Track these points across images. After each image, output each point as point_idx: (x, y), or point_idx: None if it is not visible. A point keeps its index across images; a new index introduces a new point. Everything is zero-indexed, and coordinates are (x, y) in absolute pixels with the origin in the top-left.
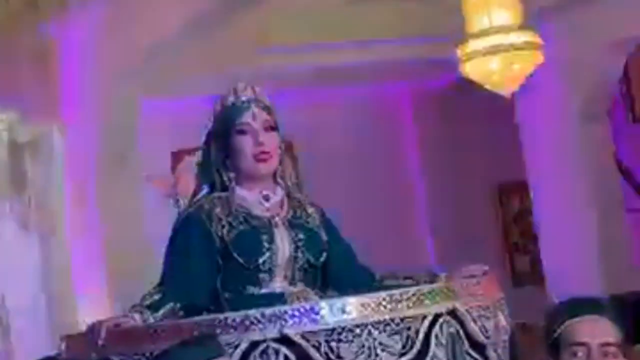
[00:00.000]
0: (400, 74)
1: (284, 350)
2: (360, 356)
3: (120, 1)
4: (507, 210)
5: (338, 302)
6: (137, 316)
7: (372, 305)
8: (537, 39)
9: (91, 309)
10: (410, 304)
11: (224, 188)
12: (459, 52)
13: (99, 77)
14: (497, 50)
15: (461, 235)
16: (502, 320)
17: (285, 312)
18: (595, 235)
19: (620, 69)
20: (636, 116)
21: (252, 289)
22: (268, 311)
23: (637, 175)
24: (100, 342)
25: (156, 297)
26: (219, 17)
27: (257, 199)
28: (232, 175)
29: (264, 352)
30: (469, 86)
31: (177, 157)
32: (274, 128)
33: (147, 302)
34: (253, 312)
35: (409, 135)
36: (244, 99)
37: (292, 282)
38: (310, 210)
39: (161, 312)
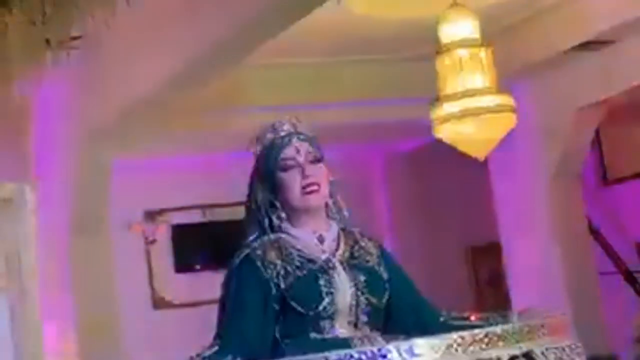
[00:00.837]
0: (373, 135)
1: None
2: None
3: (94, 61)
4: (480, 272)
5: (406, 345)
6: None
7: (443, 347)
8: (511, 102)
9: None
10: (483, 346)
11: (273, 230)
12: (433, 114)
13: (72, 135)
14: (471, 113)
15: (434, 299)
16: None
17: (352, 356)
18: (568, 298)
19: (592, 132)
20: (607, 179)
21: (314, 336)
22: (333, 356)
23: (607, 237)
24: None
25: (214, 349)
26: (193, 77)
27: (312, 239)
28: (282, 215)
29: None
30: (441, 148)
31: (150, 216)
32: (319, 159)
33: (206, 354)
34: (315, 357)
35: (381, 196)
36: (283, 133)
37: (356, 326)
38: (368, 245)
39: None
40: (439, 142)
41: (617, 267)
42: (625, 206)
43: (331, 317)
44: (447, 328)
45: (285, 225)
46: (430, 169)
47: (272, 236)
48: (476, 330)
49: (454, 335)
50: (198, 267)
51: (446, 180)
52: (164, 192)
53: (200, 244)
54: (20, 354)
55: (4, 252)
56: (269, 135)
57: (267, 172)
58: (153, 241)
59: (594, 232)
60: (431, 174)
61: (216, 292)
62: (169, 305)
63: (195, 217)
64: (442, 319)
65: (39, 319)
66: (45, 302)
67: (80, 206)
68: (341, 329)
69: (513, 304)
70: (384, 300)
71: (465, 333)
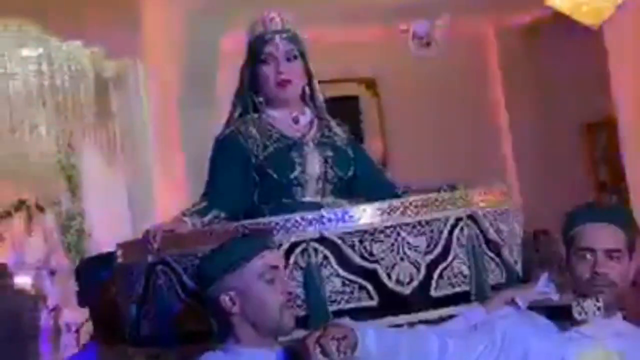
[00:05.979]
0: (486, 8)
1: (322, 249)
2: (390, 254)
3: None
4: (595, 148)
5: (369, 206)
6: (187, 219)
7: (400, 209)
8: None
9: None
10: (434, 209)
11: (256, 111)
12: None
13: (182, 13)
14: None
15: (548, 175)
16: (516, 226)
17: (323, 216)
18: None
19: None
20: None
21: (287, 201)
22: (308, 215)
23: None
24: (156, 247)
25: (202, 204)
26: None
27: (287, 120)
28: (261, 99)
29: (304, 251)
30: (556, 21)
31: None
32: (296, 57)
33: (195, 209)
34: (294, 216)
35: (494, 71)
36: (269, 29)
37: (323, 195)
38: (337, 129)
39: (207, 217)
40: (554, 15)
41: None
42: None
43: (302, 185)
44: None
45: (265, 107)
46: (545, 43)
47: (254, 115)
48: (428, 195)
49: (410, 199)
50: None
51: (561, 54)
52: None
53: None
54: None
55: (118, 127)
56: (259, 29)
57: (252, 62)
58: (428, 44)
59: None
60: (546, 47)
61: None
62: None
63: None
64: (399, 192)
65: (152, 192)
66: (158, 174)
67: (190, 82)
68: (310, 197)
69: (627, 181)
70: (349, 174)
71: (418, 197)
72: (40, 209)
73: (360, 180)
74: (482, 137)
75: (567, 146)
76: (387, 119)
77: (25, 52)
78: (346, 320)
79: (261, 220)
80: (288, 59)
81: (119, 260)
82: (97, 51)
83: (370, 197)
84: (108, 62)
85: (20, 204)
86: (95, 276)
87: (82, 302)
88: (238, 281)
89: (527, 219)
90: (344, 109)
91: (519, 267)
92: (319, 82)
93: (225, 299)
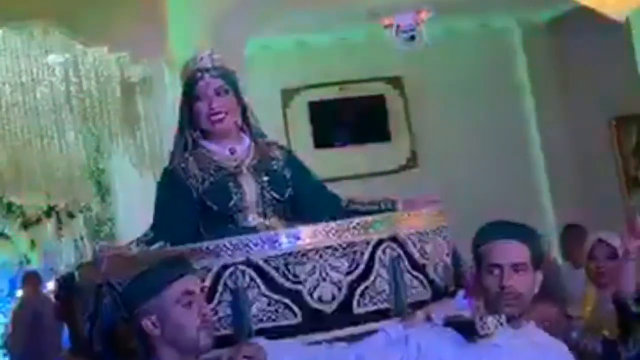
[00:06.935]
0: (510, 5)
1: (249, 272)
2: (312, 275)
3: None
4: (626, 142)
5: (293, 231)
6: (132, 246)
7: (323, 233)
8: None
9: None
10: (356, 232)
11: (196, 144)
12: None
13: (207, 16)
14: None
15: (579, 170)
16: (442, 244)
17: (250, 240)
18: None
19: None
20: None
21: (230, 227)
22: (235, 240)
23: None
24: (103, 270)
25: (150, 236)
26: None
27: (224, 152)
28: (199, 134)
29: (232, 273)
30: (582, 15)
31: (286, 94)
32: (227, 91)
33: (143, 239)
34: (223, 241)
35: (520, 68)
36: (201, 67)
37: (265, 217)
38: (276, 153)
39: (153, 247)
40: (580, 10)
41: None
42: None
43: (242, 211)
44: (345, 213)
45: (203, 141)
46: (571, 38)
47: (193, 150)
48: (351, 220)
49: (333, 223)
50: (337, 143)
51: (588, 49)
52: (302, 69)
53: (337, 120)
54: None
55: (145, 131)
56: (192, 67)
57: (187, 99)
58: (412, 37)
59: None
60: (572, 43)
61: (356, 168)
62: None
63: (332, 93)
64: (343, 204)
65: None
66: None
67: None
68: (251, 220)
69: None
70: (287, 195)
71: (341, 221)
72: (70, 214)
73: (301, 198)
74: (510, 134)
75: (597, 141)
76: (413, 117)
77: (51, 58)
78: (260, 339)
79: (193, 245)
80: (218, 94)
81: (77, 280)
82: (123, 56)
83: (314, 213)
84: (134, 66)
85: (50, 210)
86: (69, 292)
87: (57, 316)
88: (158, 306)
89: (558, 214)
90: (371, 108)
91: (445, 283)
92: (346, 82)
93: (147, 323)
